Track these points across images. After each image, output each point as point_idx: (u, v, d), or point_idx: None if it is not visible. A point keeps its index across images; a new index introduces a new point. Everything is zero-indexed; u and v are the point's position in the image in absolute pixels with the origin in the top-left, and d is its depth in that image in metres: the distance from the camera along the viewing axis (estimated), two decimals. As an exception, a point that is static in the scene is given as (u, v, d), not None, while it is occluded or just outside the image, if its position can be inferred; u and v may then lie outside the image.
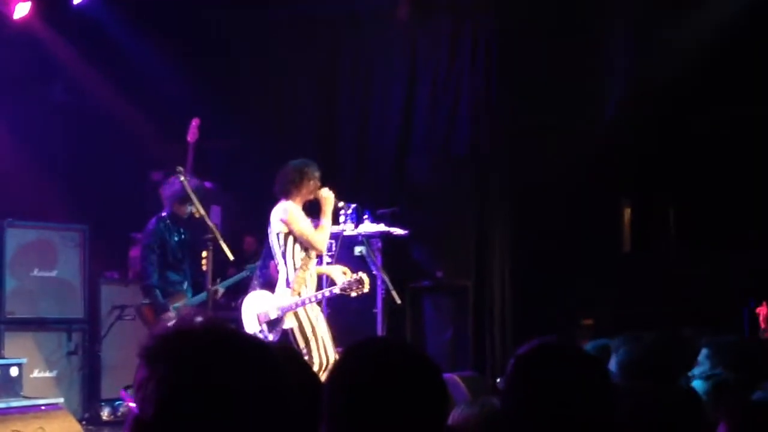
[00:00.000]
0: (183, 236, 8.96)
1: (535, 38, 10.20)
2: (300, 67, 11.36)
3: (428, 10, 10.92)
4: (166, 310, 8.70)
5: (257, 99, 11.47)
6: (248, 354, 1.89)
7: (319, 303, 8.23)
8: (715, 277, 9.89)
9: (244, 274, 9.37)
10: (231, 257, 8.47)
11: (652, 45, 10.01)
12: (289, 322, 8.08)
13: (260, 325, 8.24)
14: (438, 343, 10.21)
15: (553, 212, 10.02)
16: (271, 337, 8.17)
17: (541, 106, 10.10)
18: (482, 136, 10.50)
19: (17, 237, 9.51)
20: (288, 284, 8.15)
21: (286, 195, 8.25)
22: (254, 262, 9.51)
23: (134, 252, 10.74)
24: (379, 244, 9.35)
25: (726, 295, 9.62)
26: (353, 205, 9.21)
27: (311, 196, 8.32)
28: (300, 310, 8.05)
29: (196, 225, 8.80)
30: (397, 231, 9.28)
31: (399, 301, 8.54)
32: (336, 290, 8.05)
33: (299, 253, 8.18)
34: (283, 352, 3.05)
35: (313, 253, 8.24)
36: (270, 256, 8.69)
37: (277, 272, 8.37)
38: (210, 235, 8.37)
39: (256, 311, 8.29)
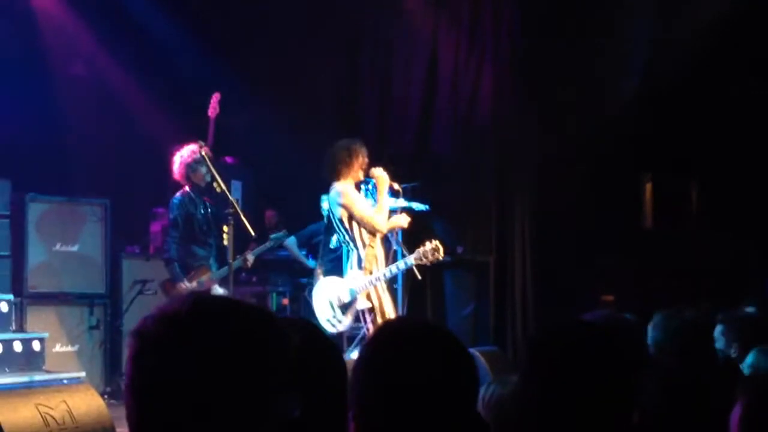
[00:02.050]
0: (209, 210, 8.97)
1: (557, 12, 10.13)
2: (321, 42, 11.32)
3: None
4: (179, 281, 8.73)
5: (278, 74, 11.43)
6: (232, 329, 1.86)
7: (392, 279, 8.26)
8: (736, 252, 9.85)
9: (269, 244, 9.40)
10: (252, 232, 8.48)
11: (675, 17, 9.92)
12: (363, 303, 8.07)
13: (334, 310, 8.24)
14: (458, 318, 10.22)
15: (574, 188, 9.98)
16: (346, 321, 8.18)
17: (563, 80, 10.04)
18: (504, 111, 10.46)
19: (39, 211, 9.54)
20: (360, 265, 8.14)
21: (338, 176, 8.19)
22: (279, 232, 9.54)
23: (155, 226, 10.77)
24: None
25: (747, 269, 9.59)
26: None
27: (361, 176, 8.27)
28: (372, 290, 8.05)
29: (219, 199, 8.81)
30: (418, 206, 9.25)
31: (420, 277, 8.52)
32: (410, 261, 8.00)
33: (365, 233, 8.17)
34: (304, 330, 3.04)
35: None
36: (328, 244, 8.70)
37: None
38: (231, 210, 8.38)
39: (328, 297, 8.28)
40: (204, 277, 8.81)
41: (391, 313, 8.07)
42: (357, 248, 8.14)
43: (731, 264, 9.72)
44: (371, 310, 8.06)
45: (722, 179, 10.50)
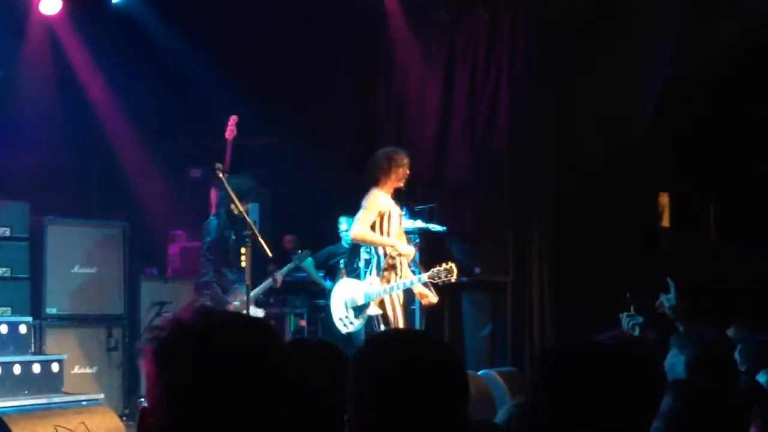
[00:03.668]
0: (237, 236, 9.00)
1: (574, 30, 10.13)
2: (338, 64, 11.37)
3: (466, 3, 10.88)
4: (227, 304, 8.75)
5: (295, 96, 11.48)
6: (247, 344, 1.89)
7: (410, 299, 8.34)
8: (755, 273, 9.80)
9: (295, 263, 9.49)
10: (270, 254, 8.49)
11: (694, 35, 9.90)
12: (375, 309, 8.16)
13: (347, 310, 8.34)
14: (476, 339, 10.21)
15: (591, 208, 9.96)
16: (357, 322, 8.29)
17: (580, 100, 10.04)
18: (521, 131, 10.46)
19: (58, 234, 9.57)
20: (379, 271, 8.23)
21: (375, 182, 8.31)
22: (300, 252, 9.64)
23: (173, 249, 10.80)
24: (417, 241, 9.36)
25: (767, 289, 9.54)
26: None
27: (401, 184, 8.37)
28: (386, 298, 8.13)
29: (236, 221, 8.83)
30: (435, 227, 9.28)
31: (437, 298, 8.54)
32: (424, 278, 8.10)
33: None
34: (323, 350, 3.06)
35: (403, 238, 8.34)
36: (357, 245, 8.78)
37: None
38: (249, 232, 8.40)
39: (344, 297, 8.40)
40: (239, 300, 8.82)
41: (401, 324, 8.13)
42: (377, 254, 8.25)
43: (750, 284, 9.67)
44: (383, 317, 8.16)
45: (741, 198, 10.46)
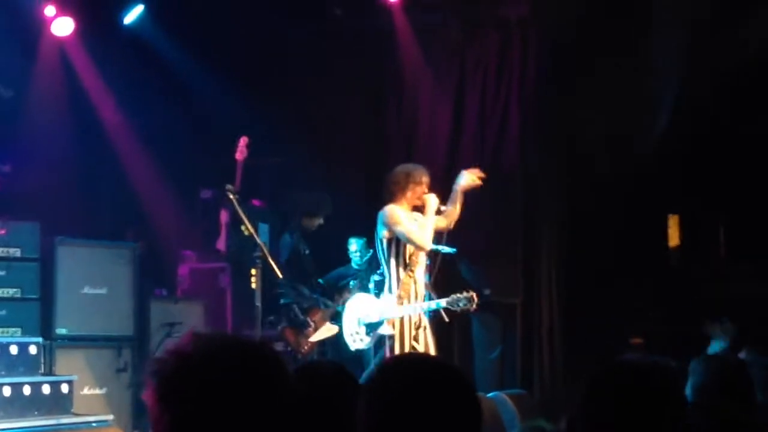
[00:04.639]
0: (309, 250, 9.04)
1: (584, 51, 10.14)
2: (348, 85, 11.38)
3: (476, 24, 10.90)
4: (307, 327, 8.77)
5: (306, 117, 11.49)
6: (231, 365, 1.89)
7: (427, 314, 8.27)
8: (764, 290, 9.78)
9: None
10: (280, 275, 8.50)
11: (703, 54, 9.91)
12: (387, 329, 8.12)
13: (359, 327, 8.32)
14: (486, 361, 10.19)
15: (602, 228, 9.95)
16: (367, 340, 8.27)
17: (590, 120, 10.04)
18: (531, 151, 10.47)
19: (68, 255, 9.58)
20: (391, 291, 8.20)
21: (391, 198, 8.28)
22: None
23: (183, 269, 10.81)
24: (428, 263, 9.34)
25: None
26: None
27: (419, 202, 8.33)
28: (399, 320, 8.11)
29: (246, 242, 8.85)
30: (445, 249, 9.27)
31: (447, 320, 8.52)
32: (442, 304, 8.05)
33: (402, 260, 8.19)
34: (331, 372, 3.05)
35: (420, 258, 8.24)
36: (376, 261, 8.77)
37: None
38: (259, 253, 8.41)
39: (357, 313, 8.39)
40: (317, 317, 8.84)
41: (408, 346, 8.11)
42: (390, 274, 8.22)
43: (759, 304, 9.64)
44: (394, 338, 8.12)
45: (751, 218, 10.44)
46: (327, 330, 8.81)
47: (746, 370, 4.44)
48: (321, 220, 8.92)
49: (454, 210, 8.45)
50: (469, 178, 8.41)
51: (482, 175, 8.41)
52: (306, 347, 9.03)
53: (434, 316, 8.38)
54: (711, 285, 10.30)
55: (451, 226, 8.48)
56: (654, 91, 10.20)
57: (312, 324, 8.91)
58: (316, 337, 8.93)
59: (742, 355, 6.38)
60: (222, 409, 1.83)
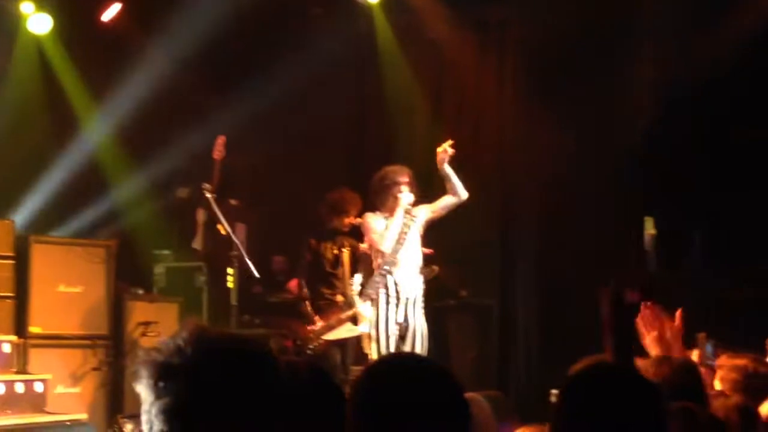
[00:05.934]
0: (338, 251, 9.02)
1: (563, 51, 10.17)
2: (327, 85, 11.36)
3: (455, 25, 10.92)
4: (312, 321, 8.78)
5: (285, 116, 11.46)
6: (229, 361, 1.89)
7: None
8: (741, 295, 9.82)
9: None
10: (257, 274, 8.49)
11: (681, 61, 9.96)
12: (363, 328, 8.38)
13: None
14: (462, 362, 10.19)
15: (578, 231, 9.98)
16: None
17: (567, 123, 10.07)
18: (509, 152, 10.49)
19: (43, 253, 9.53)
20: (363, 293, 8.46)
21: (374, 207, 8.39)
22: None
23: (159, 268, 10.78)
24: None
25: (752, 311, 9.56)
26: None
27: (397, 203, 8.40)
28: (373, 317, 8.19)
29: (223, 242, 8.83)
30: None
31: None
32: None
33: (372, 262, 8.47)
34: (309, 371, 3.04)
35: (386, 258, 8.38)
36: None
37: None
38: (236, 252, 8.40)
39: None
40: (334, 319, 8.81)
41: (382, 339, 8.18)
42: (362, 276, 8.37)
43: (735, 308, 9.68)
44: (369, 337, 8.23)
45: (727, 224, 10.48)
46: (347, 331, 8.76)
47: (695, 369, 4.44)
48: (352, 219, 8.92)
49: (451, 184, 8.50)
50: (441, 154, 8.46)
51: (452, 142, 8.45)
52: (316, 344, 8.91)
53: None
54: (687, 288, 10.33)
55: (462, 197, 8.57)
56: (635, 94, 10.24)
57: (320, 322, 8.87)
58: (332, 336, 8.85)
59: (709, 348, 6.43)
60: (214, 402, 1.83)
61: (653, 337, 4.38)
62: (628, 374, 2.88)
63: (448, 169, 8.42)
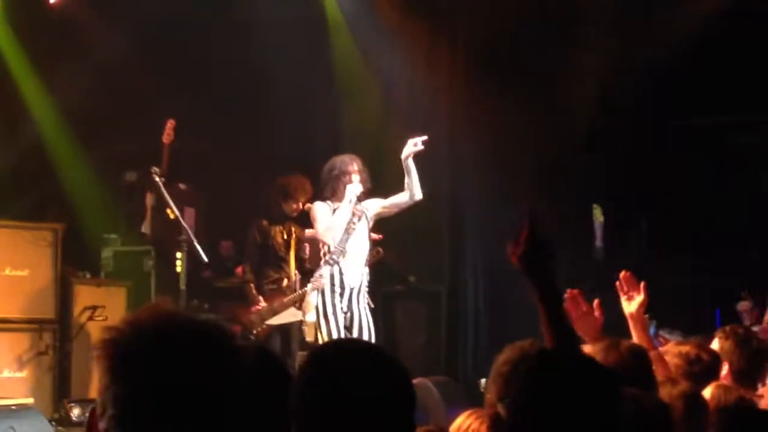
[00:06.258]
0: (287, 236, 9.00)
1: (513, 41, 10.22)
2: (277, 69, 11.32)
3: (406, 12, 10.93)
4: (256, 303, 8.79)
5: (234, 100, 11.42)
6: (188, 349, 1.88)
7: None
8: (687, 282, 9.94)
9: None
10: (205, 259, 8.47)
11: (624, 50, 10.05)
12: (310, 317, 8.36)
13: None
14: (411, 347, 10.23)
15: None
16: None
17: (515, 112, 10.12)
18: (458, 138, 10.52)
19: (-12, 236, 9.45)
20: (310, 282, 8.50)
21: (320, 194, 8.40)
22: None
23: (107, 252, 10.70)
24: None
25: (699, 298, 9.68)
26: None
27: (352, 189, 8.41)
28: (319, 306, 8.21)
29: (171, 226, 8.79)
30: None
31: (372, 305, 8.57)
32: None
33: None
34: (256, 353, 3.04)
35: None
36: None
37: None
38: (184, 237, 8.36)
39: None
40: (277, 302, 8.79)
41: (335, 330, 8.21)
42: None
43: (682, 295, 9.80)
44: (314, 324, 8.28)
45: (673, 211, 10.60)
46: (290, 315, 8.77)
47: (646, 356, 4.49)
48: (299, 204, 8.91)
49: (410, 180, 8.49)
50: (410, 147, 8.45)
51: (424, 138, 8.45)
52: (260, 329, 8.91)
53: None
54: (634, 274, 10.42)
55: (416, 198, 8.47)
56: (581, 85, 10.31)
57: (260, 305, 8.86)
58: (275, 321, 8.85)
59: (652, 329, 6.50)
60: (174, 384, 1.82)
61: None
62: (584, 361, 2.90)
63: (411, 164, 8.41)
